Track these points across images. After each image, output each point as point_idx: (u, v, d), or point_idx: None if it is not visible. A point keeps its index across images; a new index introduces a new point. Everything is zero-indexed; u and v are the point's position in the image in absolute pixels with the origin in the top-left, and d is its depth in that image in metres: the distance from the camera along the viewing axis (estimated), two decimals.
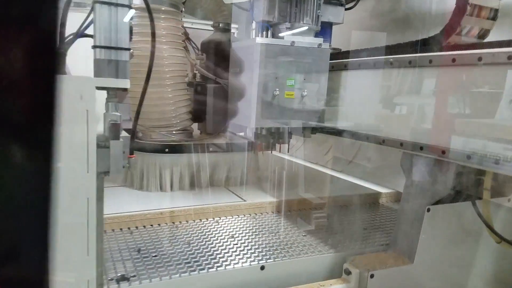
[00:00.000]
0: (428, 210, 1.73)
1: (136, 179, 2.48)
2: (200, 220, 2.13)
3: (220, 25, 2.69)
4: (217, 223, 2.11)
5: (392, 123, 1.93)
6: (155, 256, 1.68)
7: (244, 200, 2.32)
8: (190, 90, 2.60)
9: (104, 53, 1.26)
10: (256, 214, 2.28)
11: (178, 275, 1.55)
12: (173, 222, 2.05)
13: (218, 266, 1.64)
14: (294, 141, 3.68)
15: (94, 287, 1.30)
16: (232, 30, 2.80)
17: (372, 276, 1.64)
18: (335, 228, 2.15)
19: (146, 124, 2.45)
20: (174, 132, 2.48)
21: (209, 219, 2.15)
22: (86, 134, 1.26)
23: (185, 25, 2.57)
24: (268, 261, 1.71)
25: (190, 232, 1.97)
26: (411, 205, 1.80)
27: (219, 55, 2.53)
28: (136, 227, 1.97)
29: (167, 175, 2.44)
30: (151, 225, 2.01)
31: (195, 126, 2.68)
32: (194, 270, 1.59)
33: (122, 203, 2.23)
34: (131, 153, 1.34)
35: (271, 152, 2.50)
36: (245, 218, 2.23)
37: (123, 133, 1.35)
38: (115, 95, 1.30)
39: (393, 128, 1.90)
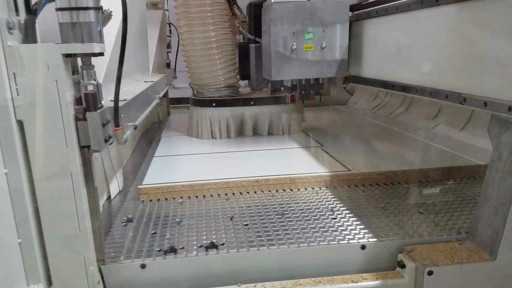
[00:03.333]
0: None
1: (193, 129, 2.07)
2: (298, 189, 1.45)
3: None
4: (316, 194, 1.41)
5: (471, 75, 1.11)
6: (246, 225, 1.19)
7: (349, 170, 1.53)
8: (236, 51, 2.11)
9: (67, 15, 0.80)
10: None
11: (266, 247, 1.05)
12: (269, 191, 1.44)
13: (301, 243, 1.07)
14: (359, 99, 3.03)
15: (93, 262, 0.91)
16: None
17: (430, 273, 0.96)
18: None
19: (198, 83, 2.03)
20: (222, 88, 2.02)
21: (308, 189, 1.45)
22: (59, 106, 0.83)
23: None
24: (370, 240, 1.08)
25: (285, 202, 1.34)
26: (498, 185, 1.00)
27: (258, 17, 2.00)
28: (233, 194, 1.42)
29: (215, 125, 2.00)
30: (247, 192, 1.43)
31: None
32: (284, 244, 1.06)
33: (183, 147, 1.92)
34: (117, 124, 0.89)
35: (303, 103, 1.97)
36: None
37: (109, 104, 0.91)
38: (89, 61, 0.84)
39: (473, 82, 1.10)
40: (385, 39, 1.57)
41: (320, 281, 1.00)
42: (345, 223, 1.18)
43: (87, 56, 0.83)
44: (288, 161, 1.71)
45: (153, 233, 1.14)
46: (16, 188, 0.84)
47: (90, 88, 0.84)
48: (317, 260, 1.06)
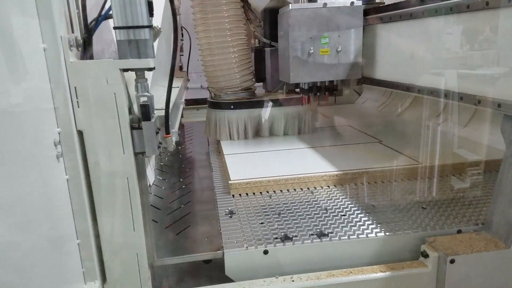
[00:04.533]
0: None
1: (211, 131, 2.14)
2: (356, 184, 1.53)
3: None
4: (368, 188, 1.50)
5: (485, 79, 1.21)
6: (344, 215, 1.29)
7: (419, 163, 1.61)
8: (252, 55, 2.17)
9: (124, 33, 0.87)
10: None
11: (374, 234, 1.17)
12: (355, 184, 1.54)
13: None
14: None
15: (145, 259, 0.99)
16: None
17: (452, 261, 1.05)
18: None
19: (215, 86, 2.10)
20: (239, 91, 2.09)
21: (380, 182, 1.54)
22: (117, 116, 0.90)
23: None
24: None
25: (370, 194, 1.44)
26: None
27: (274, 21, 2.06)
28: (315, 188, 1.52)
29: (233, 127, 2.07)
30: (328, 186, 1.52)
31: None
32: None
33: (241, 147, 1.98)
34: (167, 132, 0.96)
35: (318, 104, 2.04)
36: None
37: (159, 113, 0.98)
38: (143, 75, 0.92)
39: (486, 85, 1.19)
40: (398, 44, 1.64)
41: (351, 272, 1.08)
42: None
43: (141, 70, 0.90)
44: (355, 155, 1.77)
45: (261, 223, 1.24)
46: (75, 192, 0.92)
47: (144, 99, 0.91)
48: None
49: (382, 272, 1.08)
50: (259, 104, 2.07)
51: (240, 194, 1.49)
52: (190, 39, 2.85)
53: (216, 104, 2.08)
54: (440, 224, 1.21)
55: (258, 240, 1.14)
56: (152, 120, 0.91)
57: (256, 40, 2.17)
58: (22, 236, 0.72)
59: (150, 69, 0.89)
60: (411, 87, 1.55)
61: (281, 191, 1.51)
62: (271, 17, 2.07)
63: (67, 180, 0.90)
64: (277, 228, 1.22)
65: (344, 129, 2.29)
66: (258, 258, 1.11)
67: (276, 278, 1.06)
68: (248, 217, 1.30)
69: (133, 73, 0.91)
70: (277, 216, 1.30)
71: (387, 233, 1.17)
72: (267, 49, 2.11)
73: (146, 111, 0.90)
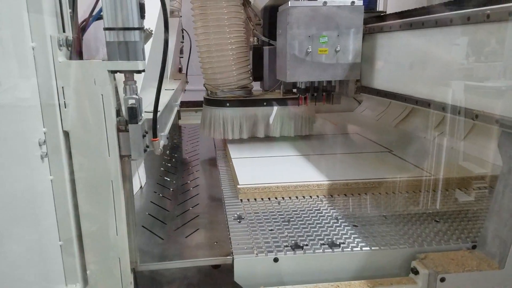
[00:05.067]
0: None
1: (206, 128, 2.12)
2: (361, 194, 1.52)
3: None
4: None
5: (483, 93, 1.19)
6: (356, 225, 1.27)
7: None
8: (250, 53, 2.15)
9: (114, 35, 0.85)
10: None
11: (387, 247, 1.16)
12: (331, 195, 1.52)
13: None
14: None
15: (127, 263, 0.98)
16: None
17: (442, 280, 1.03)
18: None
19: (212, 83, 2.08)
20: (235, 89, 2.07)
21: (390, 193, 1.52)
22: (104, 118, 0.88)
23: None
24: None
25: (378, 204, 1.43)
26: (508, 198, 1.07)
27: (273, 20, 2.03)
28: (324, 196, 1.51)
29: (228, 125, 2.05)
30: (338, 195, 1.50)
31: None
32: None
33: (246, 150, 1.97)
34: (155, 135, 0.95)
35: (315, 104, 2.02)
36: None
37: (147, 116, 0.96)
38: (132, 77, 0.90)
39: (485, 99, 1.17)
40: (398, 54, 1.62)
41: (338, 286, 1.07)
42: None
43: (130, 73, 0.88)
44: (359, 165, 1.75)
45: (271, 230, 1.23)
46: (59, 194, 0.91)
47: (132, 102, 0.89)
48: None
49: (369, 287, 1.07)
50: (255, 103, 2.05)
51: (248, 199, 1.47)
52: (190, 40, 2.82)
53: (211, 101, 2.07)
54: (454, 239, 1.19)
55: (268, 247, 1.13)
56: (139, 123, 0.90)
57: (255, 38, 2.14)
58: (3, 236, 0.71)
59: (139, 72, 0.87)
60: (410, 98, 1.53)
61: (289, 197, 1.49)
62: (271, 15, 2.04)
63: (51, 180, 0.89)
64: (287, 235, 1.20)
65: (352, 137, 2.27)
66: (267, 266, 1.09)
67: None
68: (257, 222, 1.29)
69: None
70: (287, 223, 1.28)
71: (400, 246, 1.16)
72: (266, 48, 2.09)
73: (133, 113, 0.89)
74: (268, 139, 2.11)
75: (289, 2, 1.70)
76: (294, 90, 2.06)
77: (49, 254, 0.90)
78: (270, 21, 2.05)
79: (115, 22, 0.84)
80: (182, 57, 2.97)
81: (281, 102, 2.07)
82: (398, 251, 1.15)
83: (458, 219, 1.32)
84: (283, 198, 1.49)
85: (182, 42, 2.93)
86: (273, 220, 1.30)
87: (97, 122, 0.88)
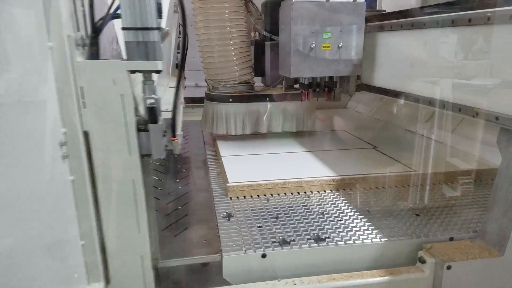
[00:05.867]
0: None
1: (207, 123, 2.13)
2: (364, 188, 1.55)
3: None
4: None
5: (483, 93, 1.22)
6: (340, 220, 1.30)
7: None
8: (251, 48, 2.15)
9: (132, 35, 0.85)
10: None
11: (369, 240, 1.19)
12: (344, 189, 1.55)
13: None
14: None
15: (149, 261, 0.99)
16: None
17: (449, 267, 1.08)
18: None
19: (214, 79, 2.08)
20: (237, 84, 2.08)
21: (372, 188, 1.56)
22: (124, 118, 0.89)
23: None
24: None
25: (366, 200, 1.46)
26: (507, 191, 1.12)
27: (274, 15, 2.04)
28: (311, 192, 1.53)
29: (231, 120, 2.06)
30: (324, 191, 1.53)
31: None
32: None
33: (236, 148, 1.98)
34: (174, 135, 0.96)
35: (317, 99, 2.03)
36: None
37: (166, 115, 0.97)
38: (150, 77, 0.91)
39: (485, 98, 1.20)
40: (398, 53, 1.63)
41: (351, 276, 1.10)
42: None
43: (148, 72, 0.89)
44: (345, 161, 1.77)
45: (259, 227, 1.25)
46: (80, 193, 0.91)
47: (151, 101, 0.90)
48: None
49: (381, 276, 1.10)
50: (258, 98, 2.06)
51: (237, 197, 1.48)
52: (186, 36, 2.79)
53: (214, 97, 2.07)
54: (433, 231, 1.23)
55: (256, 243, 1.15)
56: (160, 122, 0.91)
57: (256, 33, 2.15)
58: (26, 236, 0.71)
59: (158, 72, 0.88)
60: (409, 95, 1.55)
61: (278, 194, 1.51)
62: (272, 10, 2.05)
63: (72, 181, 0.90)
64: (275, 231, 1.22)
65: (339, 134, 2.29)
66: (256, 262, 1.11)
67: (278, 281, 1.08)
68: (246, 220, 1.30)
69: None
70: (275, 219, 1.30)
71: (382, 239, 1.19)
72: (267, 43, 2.09)
73: (153, 113, 0.90)
74: (257, 136, 2.13)
75: None
76: (296, 86, 2.08)
77: (70, 253, 0.91)
78: (272, 16, 2.06)
79: (134, 22, 0.84)
80: (179, 53, 2.96)
81: (284, 97, 2.08)
82: (371, 246, 1.18)
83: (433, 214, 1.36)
84: (271, 195, 1.50)
85: (179, 37, 2.91)
86: (262, 217, 1.31)
87: (117, 121, 0.88)
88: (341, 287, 1.07)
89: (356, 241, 1.18)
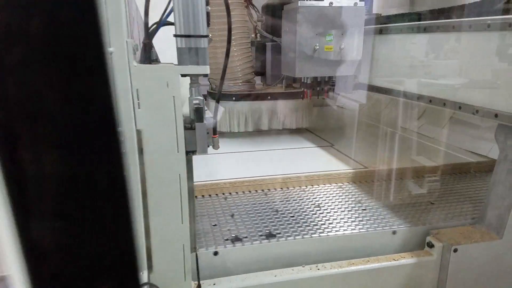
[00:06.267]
0: None
1: None
2: (325, 185, 1.66)
3: None
4: (340, 189, 1.63)
5: (483, 89, 1.33)
6: (292, 216, 1.37)
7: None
8: (252, 48, 2.25)
9: (184, 41, 0.93)
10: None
11: (317, 235, 1.27)
12: (299, 186, 1.65)
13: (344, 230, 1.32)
14: None
15: (188, 249, 1.07)
16: None
17: (455, 250, 1.21)
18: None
19: (217, 78, 2.16)
20: (239, 84, 2.17)
21: (332, 184, 1.67)
22: (174, 118, 0.97)
23: None
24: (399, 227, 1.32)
25: (318, 196, 1.55)
26: (504, 180, 1.27)
27: (275, 16, 2.14)
28: (269, 189, 1.61)
29: (234, 119, 2.16)
30: (281, 188, 1.62)
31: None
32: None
33: None
34: (215, 133, 1.04)
35: (317, 97, 2.15)
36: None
37: (208, 114, 1.05)
38: (197, 80, 0.99)
39: (484, 96, 1.32)
40: (397, 54, 1.77)
41: (368, 260, 1.22)
42: (375, 214, 1.41)
43: (196, 76, 0.97)
44: (305, 159, 1.92)
45: (214, 225, 1.32)
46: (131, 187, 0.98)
47: (197, 102, 0.98)
48: (358, 244, 1.29)
49: (395, 260, 1.23)
50: (260, 97, 2.16)
51: (196, 196, 1.51)
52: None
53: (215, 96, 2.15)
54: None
55: (209, 241, 1.21)
56: (205, 121, 0.99)
57: (257, 34, 2.24)
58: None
59: (206, 75, 0.96)
60: (409, 94, 1.69)
61: (236, 192, 1.57)
62: (272, 13, 2.15)
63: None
64: (228, 229, 1.29)
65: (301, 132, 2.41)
66: (207, 260, 1.18)
67: (303, 267, 1.18)
68: (202, 219, 1.35)
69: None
70: (230, 217, 1.37)
71: (330, 234, 1.28)
72: (269, 44, 2.19)
73: (199, 113, 0.98)
74: (221, 136, 2.20)
75: (298, 2, 1.81)
76: (294, 85, 2.19)
77: None
78: (272, 18, 2.16)
79: (187, 29, 0.92)
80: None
81: (285, 96, 2.19)
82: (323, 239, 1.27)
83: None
84: (230, 193, 1.57)
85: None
86: (217, 216, 1.38)
87: (168, 121, 0.96)
88: (360, 270, 1.19)
89: (304, 236, 1.25)
